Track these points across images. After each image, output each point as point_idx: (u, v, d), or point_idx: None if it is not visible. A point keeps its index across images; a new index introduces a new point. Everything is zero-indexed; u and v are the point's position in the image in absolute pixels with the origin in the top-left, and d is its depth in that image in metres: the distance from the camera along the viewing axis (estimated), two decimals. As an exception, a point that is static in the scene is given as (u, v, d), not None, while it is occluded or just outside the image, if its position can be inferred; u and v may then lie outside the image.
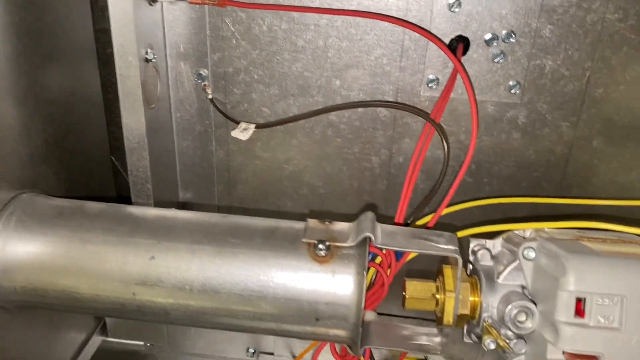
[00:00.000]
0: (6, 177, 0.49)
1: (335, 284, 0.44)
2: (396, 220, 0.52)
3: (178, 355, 0.83)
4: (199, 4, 0.58)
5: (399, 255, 0.52)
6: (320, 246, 0.44)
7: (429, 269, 0.52)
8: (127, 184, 0.62)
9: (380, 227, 0.47)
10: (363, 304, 0.44)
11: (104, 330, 0.67)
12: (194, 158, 0.68)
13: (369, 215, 0.47)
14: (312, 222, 0.47)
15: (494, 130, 0.62)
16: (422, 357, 0.72)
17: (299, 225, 0.48)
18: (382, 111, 0.63)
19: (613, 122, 0.61)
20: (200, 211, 0.51)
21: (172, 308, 0.45)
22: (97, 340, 0.66)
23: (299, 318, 0.45)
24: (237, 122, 0.64)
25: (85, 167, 0.62)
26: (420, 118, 0.62)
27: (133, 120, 0.55)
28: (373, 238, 0.44)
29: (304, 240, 0.45)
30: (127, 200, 0.61)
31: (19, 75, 0.50)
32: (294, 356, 0.78)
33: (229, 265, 0.44)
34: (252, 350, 0.80)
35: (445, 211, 0.54)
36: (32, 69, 0.51)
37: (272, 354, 0.80)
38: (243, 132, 0.61)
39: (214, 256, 0.45)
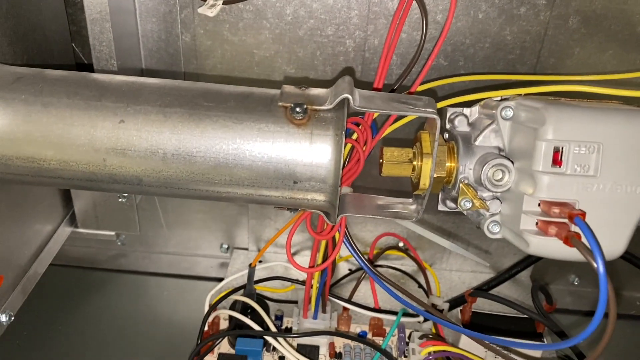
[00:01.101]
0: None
1: (314, 146, 0.43)
2: (375, 86, 0.51)
3: (151, 255, 0.82)
4: None
5: (374, 131, 0.51)
6: (298, 109, 0.43)
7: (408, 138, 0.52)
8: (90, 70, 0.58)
9: (358, 91, 0.45)
10: (341, 165, 0.43)
11: (73, 221, 0.65)
12: (159, 42, 0.65)
13: (347, 78, 0.46)
14: (288, 87, 0.46)
15: (471, 9, 0.61)
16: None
17: (274, 91, 0.46)
18: (357, -13, 0.61)
19: (590, -1, 0.60)
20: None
21: (145, 174, 0.44)
22: (66, 230, 0.64)
23: (277, 181, 0.44)
24: (204, 0, 0.60)
25: (43, 47, 0.58)
26: (397, -5, 0.59)
27: (92, -13, 0.52)
28: (351, 99, 0.43)
29: (280, 103, 0.44)
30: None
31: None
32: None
33: (203, 128, 0.43)
34: (226, 246, 0.80)
35: (420, 88, 0.54)
36: None
37: (246, 249, 0.80)
38: (210, 8, 0.58)
39: (186, 119, 0.43)
